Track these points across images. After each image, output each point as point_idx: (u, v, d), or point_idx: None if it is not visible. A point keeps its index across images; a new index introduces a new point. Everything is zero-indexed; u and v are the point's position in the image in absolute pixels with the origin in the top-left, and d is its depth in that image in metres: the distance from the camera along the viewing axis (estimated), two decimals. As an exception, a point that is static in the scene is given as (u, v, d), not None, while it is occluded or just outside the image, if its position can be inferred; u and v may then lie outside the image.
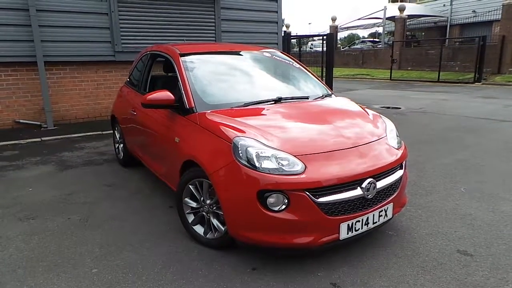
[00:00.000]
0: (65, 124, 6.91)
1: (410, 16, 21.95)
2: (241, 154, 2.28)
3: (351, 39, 37.89)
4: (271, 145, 2.34)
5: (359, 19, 23.73)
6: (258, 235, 2.28)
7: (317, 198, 2.22)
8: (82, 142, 5.83)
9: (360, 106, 3.21)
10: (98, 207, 3.37)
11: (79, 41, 6.66)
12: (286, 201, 2.19)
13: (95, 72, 7.11)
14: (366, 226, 2.43)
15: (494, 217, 3.09)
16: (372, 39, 30.19)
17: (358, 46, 27.67)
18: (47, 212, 3.28)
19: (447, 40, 19.21)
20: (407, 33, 22.12)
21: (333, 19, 23.31)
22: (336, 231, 2.31)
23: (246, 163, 2.25)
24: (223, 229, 2.53)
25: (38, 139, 5.90)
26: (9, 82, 6.34)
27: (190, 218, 2.74)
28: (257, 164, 2.22)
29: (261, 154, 2.26)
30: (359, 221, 2.37)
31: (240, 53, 3.63)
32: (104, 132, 6.41)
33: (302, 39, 15.14)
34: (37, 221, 3.10)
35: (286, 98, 3.04)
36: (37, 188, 3.87)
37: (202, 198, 2.62)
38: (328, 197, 2.25)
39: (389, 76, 17.90)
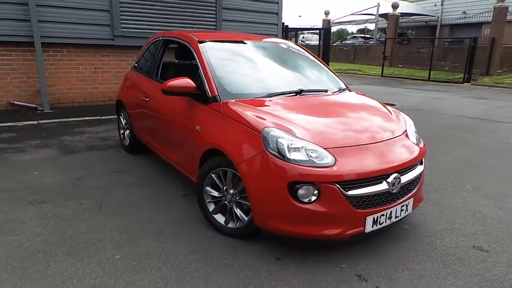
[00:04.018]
0: (61, 107, 6.73)
1: (402, 14, 22.15)
2: (271, 145, 2.27)
3: (341, 34, 38.03)
4: (300, 137, 2.34)
5: (352, 14, 23.82)
6: (286, 225, 2.29)
7: (347, 191, 2.24)
8: (81, 126, 5.69)
9: (379, 102, 3.24)
10: (110, 193, 3.31)
11: (77, 23, 6.46)
12: (317, 192, 2.20)
13: (93, 56, 6.92)
14: (389, 220, 2.47)
15: (503, 215, 3.18)
16: (363, 35, 30.36)
17: (350, 42, 27.83)
18: (58, 196, 3.20)
19: (437, 40, 19.50)
20: (399, 31, 22.35)
21: (326, 13, 23.30)
22: (362, 224, 2.34)
23: (276, 154, 2.24)
24: (246, 219, 2.53)
25: (35, 122, 5.73)
26: (3, 62, 6.12)
27: (211, 207, 2.73)
28: (288, 155, 2.22)
29: (291, 146, 2.26)
30: (383, 214, 2.41)
31: (256, 42, 3.59)
32: (102, 117, 6.28)
33: (294, 32, 15.10)
34: (48, 206, 3.02)
35: (307, 91, 3.04)
36: (43, 171, 3.77)
37: (224, 188, 2.61)
38: (356, 190, 2.27)
39: (380, 72, 18.09)
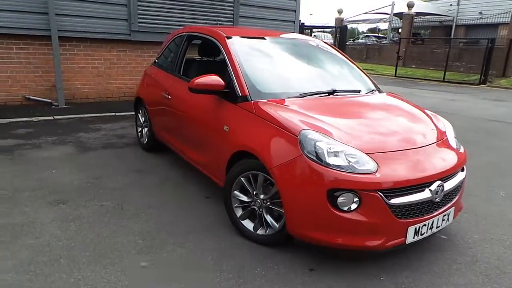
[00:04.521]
0: (76, 103, 6.64)
1: (417, 14, 21.78)
2: (309, 149, 2.13)
3: (352, 34, 37.62)
4: (339, 140, 2.20)
5: (365, 13, 23.50)
6: (323, 235, 2.15)
7: (389, 200, 2.09)
8: (96, 123, 5.59)
9: (415, 104, 3.07)
10: (130, 194, 3.20)
11: (95, 17, 6.35)
12: (357, 200, 2.06)
13: (109, 51, 6.82)
14: (430, 230, 2.32)
15: (544, 225, 3.01)
16: (377, 35, 29.96)
17: (362, 41, 27.48)
18: (77, 197, 3.10)
19: (452, 40, 19.12)
20: (413, 30, 22.00)
21: (339, 12, 23.02)
22: (403, 235, 2.19)
23: (314, 159, 2.10)
24: (277, 226, 2.40)
25: (51, 118, 5.65)
26: (20, 56, 6.03)
27: (239, 212, 2.60)
28: (328, 161, 2.08)
29: (330, 150, 2.12)
30: (425, 225, 2.26)
31: (285, 39, 3.45)
32: (117, 114, 6.18)
33: (310, 30, 14.89)
34: (68, 207, 2.92)
35: (340, 91, 2.89)
36: (60, 169, 3.67)
37: (254, 192, 2.48)
38: (399, 198, 2.13)
39: (393, 72, 17.80)
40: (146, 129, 4.29)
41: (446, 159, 2.42)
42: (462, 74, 17.01)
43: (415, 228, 2.21)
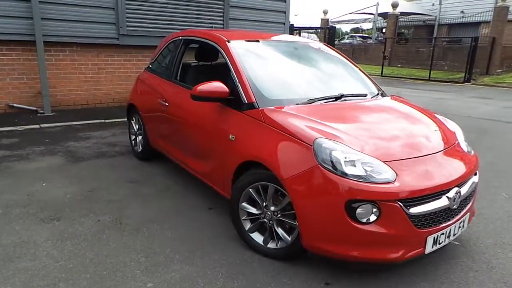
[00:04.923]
0: (63, 110, 6.39)
1: (401, 13, 22.05)
2: (324, 158, 2.03)
3: (336, 34, 37.75)
4: (354, 148, 2.10)
5: (350, 13, 23.65)
6: (340, 248, 2.05)
7: (409, 210, 2.01)
8: (85, 131, 5.38)
9: (423, 108, 3.01)
10: (128, 207, 3.04)
11: (81, 21, 6.12)
12: (377, 211, 1.97)
13: (97, 56, 6.60)
14: (448, 238, 2.24)
15: (552, 227, 2.98)
16: (362, 35, 30.23)
17: (348, 41, 27.68)
18: (71, 212, 2.92)
19: (435, 39, 19.40)
20: (398, 30, 22.25)
21: (325, 12, 23.08)
22: (422, 245, 2.11)
23: (331, 169, 2.00)
24: (289, 239, 2.29)
25: (37, 126, 5.41)
26: (3, 62, 5.76)
27: (247, 225, 2.47)
28: (345, 170, 1.98)
29: (347, 159, 2.02)
30: (443, 233, 2.18)
31: (285, 43, 3.34)
32: (107, 121, 5.97)
33: (298, 31, 14.89)
34: (63, 223, 2.74)
35: (347, 95, 2.80)
36: (51, 182, 3.47)
37: (264, 204, 2.36)
38: (418, 207, 2.04)
39: (380, 72, 17.94)
40: (140, 137, 4.12)
41: (460, 164, 2.36)
42: (447, 73, 17.28)
43: (434, 238, 2.13)
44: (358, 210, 1.96)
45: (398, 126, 2.52)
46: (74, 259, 2.30)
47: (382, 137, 2.30)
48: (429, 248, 2.14)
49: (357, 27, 37.40)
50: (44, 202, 3.07)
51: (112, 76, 6.83)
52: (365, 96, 2.96)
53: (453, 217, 2.25)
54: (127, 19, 6.50)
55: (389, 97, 3.10)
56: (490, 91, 13.14)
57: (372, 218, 1.98)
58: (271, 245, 2.38)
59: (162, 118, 3.50)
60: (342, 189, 1.96)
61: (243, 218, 2.48)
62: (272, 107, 2.45)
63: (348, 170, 1.98)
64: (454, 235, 2.29)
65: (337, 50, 3.53)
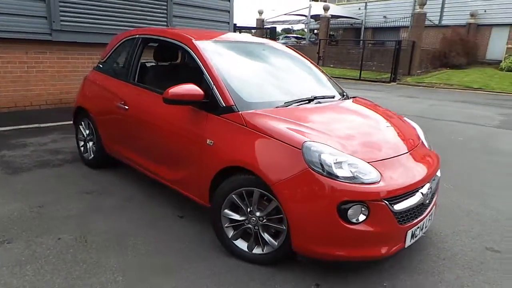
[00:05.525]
0: (-15, 114, 5.64)
1: (332, 16, 23.22)
2: (314, 161, 2.04)
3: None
4: (341, 150, 2.15)
5: (285, 14, 24.31)
6: (332, 249, 2.08)
7: (393, 207, 2.10)
8: (18, 137, 4.80)
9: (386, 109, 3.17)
10: (90, 222, 2.77)
11: (5, 13, 5.45)
12: (366, 211, 2.03)
13: (25, 53, 5.92)
14: (421, 231, 2.40)
15: (492, 213, 3.34)
16: (296, 35, 31.24)
17: (283, 41, 28.43)
18: (24, 231, 2.58)
19: (362, 41, 20.79)
20: (330, 32, 23.41)
21: (260, 13, 23.43)
22: (403, 240, 2.23)
23: (322, 171, 2.02)
24: (275, 243, 2.26)
25: (-43, 134, 4.70)
26: None
27: (230, 232, 2.40)
28: (336, 173, 2.01)
29: (336, 161, 2.05)
30: (418, 227, 2.33)
31: (251, 44, 3.29)
32: (42, 125, 5.39)
33: (239, 30, 14.90)
34: (16, 245, 2.40)
35: (318, 97, 2.84)
36: (-10, 199, 3.04)
37: (249, 209, 2.30)
38: (400, 204, 2.15)
39: (315, 72, 18.69)
40: (91, 143, 3.78)
41: (428, 161, 2.53)
42: (375, 73, 18.58)
43: (412, 232, 2.26)
44: (349, 211, 2.00)
45: (372, 127, 2.63)
46: (39, 287, 2.03)
47: (362, 139, 2.38)
48: (408, 242, 2.26)
49: (288, 28, 38.59)
50: (-14, 222, 2.67)
51: (44, 76, 6.20)
52: (333, 97, 3.04)
53: (425, 211, 2.40)
54: (61, 13, 5.93)
55: (352, 99, 3.21)
56: (413, 90, 14.42)
57: (361, 218, 2.03)
58: (256, 250, 2.34)
59: (120, 122, 3.25)
60: (334, 191, 1.99)
61: (225, 225, 2.39)
62: (251, 111, 2.40)
63: (339, 172, 2.02)
64: (425, 227, 2.46)
65: (299, 52, 3.58)
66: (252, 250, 2.35)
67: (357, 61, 18.53)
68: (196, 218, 2.89)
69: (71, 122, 4.12)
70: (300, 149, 2.07)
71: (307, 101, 2.74)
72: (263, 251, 2.32)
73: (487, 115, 8.69)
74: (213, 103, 2.48)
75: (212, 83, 2.51)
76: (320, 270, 2.31)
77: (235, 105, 2.41)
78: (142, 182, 3.49)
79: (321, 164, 2.03)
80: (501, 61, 18.85)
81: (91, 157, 3.81)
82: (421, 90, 14.55)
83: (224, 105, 2.43)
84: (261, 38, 3.74)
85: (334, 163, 2.04)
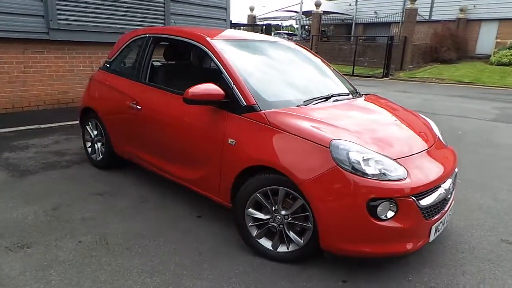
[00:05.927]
0: (-17, 116, 5.51)
1: (323, 12, 23.25)
2: (342, 159, 2.04)
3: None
4: (367, 147, 2.15)
5: (276, 10, 24.28)
6: (362, 246, 2.09)
7: (420, 203, 2.12)
8: (20, 138, 4.70)
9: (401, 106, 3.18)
10: (108, 223, 2.74)
11: (1, 12, 5.31)
12: (395, 208, 2.04)
13: (22, 53, 5.79)
14: (443, 225, 2.43)
15: (504, 205, 3.40)
16: (287, 32, 31.21)
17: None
18: (42, 235, 2.53)
19: (357, 38, 20.89)
20: (322, 28, 23.43)
21: (251, 9, 23.35)
22: (427, 234, 2.25)
23: (350, 169, 2.02)
24: (301, 241, 2.27)
25: (-45, 137, 4.59)
26: None
27: (254, 231, 2.39)
28: (365, 170, 2.02)
29: (365, 158, 2.06)
30: (441, 221, 2.35)
31: (265, 42, 3.26)
32: (43, 126, 5.29)
33: (234, 27, 14.81)
34: (36, 250, 2.36)
35: (335, 95, 2.84)
36: (1, 203, 2.97)
37: (273, 208, 2.30)
38: (425, 200, 2.17)
39: (308, 68, 18.71)
40: (99, 144, 3.73)
41: (448, 156, 2.56)
42: (368, 68, 18.70)
43: (436, 226, 2.29)
44: (379, 208, 2.01)
45: (392, 124, 2.65)
46: (68, 291, 2.00)
47: (384, 136, 2.39)
48: (432, 237, 2.29)
49: (277, 24, 38.56)
50: (1, 228, 2.61)
51: (42, 76, 6.07)
52: (348, 95, 3.04)
53: (446, 205, 2.43)
54: (58, 12, 5.81)
55: (364, 96, 3.21)
56: (407, 85, 14.55)
57: (390, 214, 2.05)
58: (281, 249, 2.34)
59: (132, 122, 3.20)
60: (363, 189, 1.99)
61: (249, 224, 2.39)
62: (273, 110, 2.38)
63: (368, 170, 2.02)
64: (446, 222, 2.49)
65: (310, 50, 3.57)
66: (277, 248, 2.35)
67: (349, 57, 18.63)
68: (214, 217, 2.87)
69: (71, 122, 4.06)
70: (327, 147, 2.07)
71: (324, 99, 2.75)
72: (288, 249, 2.32)
73: (482, 109, 8.82)
74: (234, 103, 2.46)
75: (232, 83, 2.49)
76: (346, 267, 2.32)
77: (256, 104, 2.39)
78: (153, 182, 3.46)
79: (350, 162, 2.03)
80: (490, 56, 19.13)
81: (99, 158, 3.76)
82: (414, 85, 14.69)
83: (246, 104, 2.42)
84: (272, 36, 3.70)
85: (362, 160, 2.05)
